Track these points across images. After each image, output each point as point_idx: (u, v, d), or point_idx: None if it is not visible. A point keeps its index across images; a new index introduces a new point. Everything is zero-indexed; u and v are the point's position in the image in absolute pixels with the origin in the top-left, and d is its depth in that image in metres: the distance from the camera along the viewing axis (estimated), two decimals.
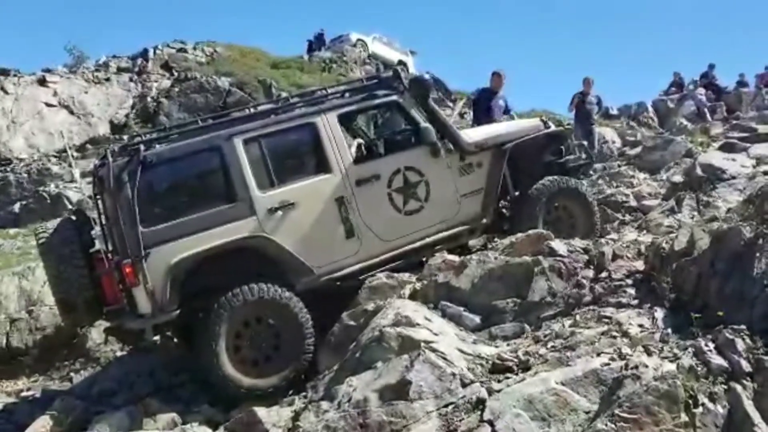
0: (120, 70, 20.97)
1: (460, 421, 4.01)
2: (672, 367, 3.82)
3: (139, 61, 21.45)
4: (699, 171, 7.92)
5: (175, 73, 20.70)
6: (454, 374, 4.37)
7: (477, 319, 5.26)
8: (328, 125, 6.31)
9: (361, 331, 5.33)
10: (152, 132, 6.95)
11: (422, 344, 4.61)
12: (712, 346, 3.96)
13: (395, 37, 28.65)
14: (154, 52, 21.92)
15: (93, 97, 19.33)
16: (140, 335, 5.98)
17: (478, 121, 9.91)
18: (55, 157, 17.00)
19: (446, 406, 4.18)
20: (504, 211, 7.22)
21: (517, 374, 4.34)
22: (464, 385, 4.31)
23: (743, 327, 3.97)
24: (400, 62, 25.78)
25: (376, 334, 4.94)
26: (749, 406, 3.64)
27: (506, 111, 10.15)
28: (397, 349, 4.72)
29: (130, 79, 20.60)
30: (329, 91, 6.92)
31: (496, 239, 6.87)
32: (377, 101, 6.73)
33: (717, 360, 3.87)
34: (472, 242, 7.16)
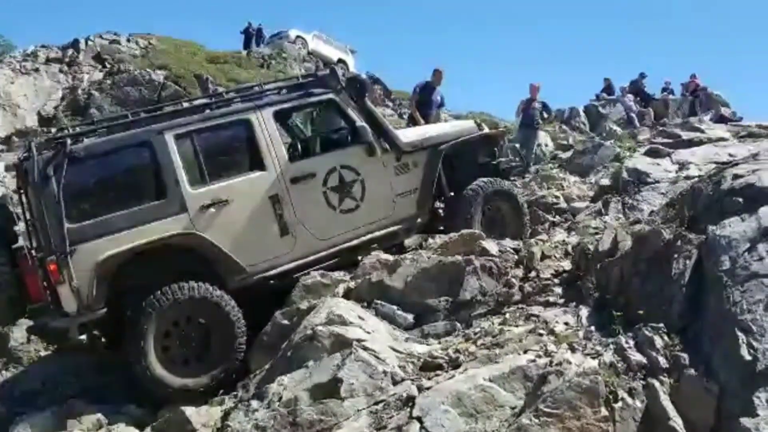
0: (49, 61, 20.17)
1: (390, 418, 4.05)
2: (594, 363, 3.96)
3: (70, 51, 20.69)
4: (625, 175, 8.20)
5: (108, 65, 20.08)
6: (385, 372, 4.41)
7: (410, 317, 5.33)
8: (263, 122, 6.26)
9: (294, 330, 5.31)
10: (80, 125, 6.75)
11: (354, 343, 4.63)
12: (632, 343, 4.13)
13: (335, 35, 28.61)
14: (86, 43, 21.17)
15: (20, 88, 18.54)
16: (65, 334, 5.79)
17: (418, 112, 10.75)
18: None
19: (377, 403, 4.22)
20: (439, 211, 7.31)
21: (447, 371, 4.41)
22: (395, 383, 4.37)
23: (661, 325, 4.15)
24: (340, 60, 25.79)
25: (308, 333, 4.94)
26: (665, 400, 3.81)
27: (440, 105, 11.15)
28: (330, 348, 4.73)
29: (60, 71, 19.83)
30: (265, 87, 6.85)
31: (430, 239, 6.94)
32: (313, 99, 6.71)
33: (636, 357, 4.03)
34: (407, 241, 7.22)
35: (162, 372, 5.50)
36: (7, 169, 12.52)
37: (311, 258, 6.24)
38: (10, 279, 5.82)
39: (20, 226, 6.19)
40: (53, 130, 11.97)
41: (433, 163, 6.91)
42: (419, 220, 6.86)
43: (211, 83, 18.35)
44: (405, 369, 4.53)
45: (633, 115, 18.78)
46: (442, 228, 7.10)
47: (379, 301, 5.46)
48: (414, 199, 6.82)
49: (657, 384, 3.88)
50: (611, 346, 4.13)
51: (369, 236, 6.54)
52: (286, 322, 5.64)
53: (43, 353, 7.53)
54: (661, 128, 12.85)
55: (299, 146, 7.19)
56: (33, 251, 5.89)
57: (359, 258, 6.34)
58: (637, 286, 4.57)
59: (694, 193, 5.13)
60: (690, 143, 9.40)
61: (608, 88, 21.58)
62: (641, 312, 4.31)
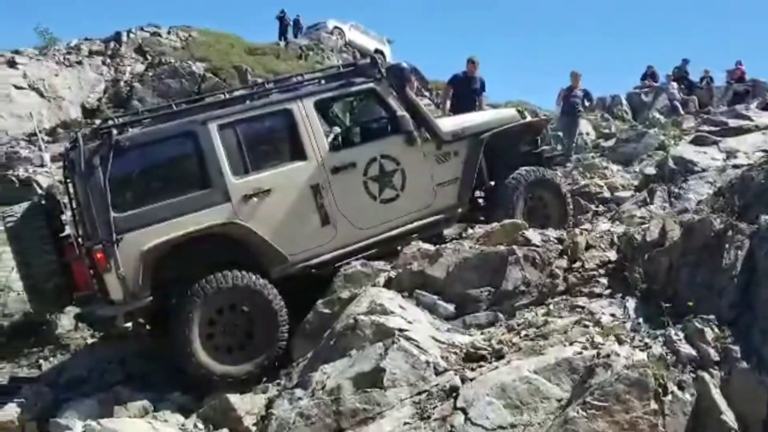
0: (92, 53, 20.60)
1: (434, 408, 4.03)
2: (642, 355, 3.89)
3: (112, 44, 21.10)
4: (671, 163, 8.05)
5: (149, 58, 20.42)
6: (428, 362, 4.40)
7: (451, 307, 5.29)
8: (304, 112, 6.27)
9: (335, 319, 5.33)
10: (125, 116, 6.84)
11: (396, 332, 4.63)
12: (681, 335, 4.03)
13: (372, 26, 28.57)
14: (128, 36, 21.56)
15: (64, 80, 18.96)
16: (112, 322, 5.91)
17: (457, 104, 10.37)
18: (25, 140, 16.66)
19: (420, 393, 4.21)
20: (480, 200, 7.24)
21: (490, 362, 4.38)
22: (438, 373, 4.35)
23: (712, 317, 4.04)
24: (377, 51, 25.72)
25: (350, 322, 4.94)
26: (716, 394, 3.72)
27: (482, 91, 10.77)
28: (372, 337, 4.73)
29: (103, 63, 20.25)
30: (305, 77, 6.86)
31: (470, 228, 6.89)
32: (354, 88, 6.70)
33: (686, 349, 3.94)
34: (447, 232, 7.17)
35: (206, 359, 5.57)
36: (54, 159, 12.81)
37: (351, 248, 6.24)
38: (56, 268, 5.94)
39: (67, 216, 6.31)
40: (97, 121, 12.19)
41: (474, 152, 6.84)
42: (459, 209, 6.81)
43: (250, 75, 18.50)
44: (447, 359, 4.51)
45: (677, 103, 18.37)
46: (482, 218, 7.05)
47: (420, 291, 5.43)
48: (454, 188, 6.76)
49: (707, 377, 3.79)
50: (660, 338, 4.05)
51: (409, 226, 6.51)
52: (327, 311, 5.67)
53: (89, 340, 7.69)
54: (706, 116, 12.58)
55: (340, 136, 7.19)
56: (79, 240, 6.01)
57: (399, 248, 6.33)
58: (686, 277, 4.47)
59: (744, 181, 5.00)
60: (737, 131, 9.18)
61: (652, 76, 21.12)
62: (690, 303, 4.21)
